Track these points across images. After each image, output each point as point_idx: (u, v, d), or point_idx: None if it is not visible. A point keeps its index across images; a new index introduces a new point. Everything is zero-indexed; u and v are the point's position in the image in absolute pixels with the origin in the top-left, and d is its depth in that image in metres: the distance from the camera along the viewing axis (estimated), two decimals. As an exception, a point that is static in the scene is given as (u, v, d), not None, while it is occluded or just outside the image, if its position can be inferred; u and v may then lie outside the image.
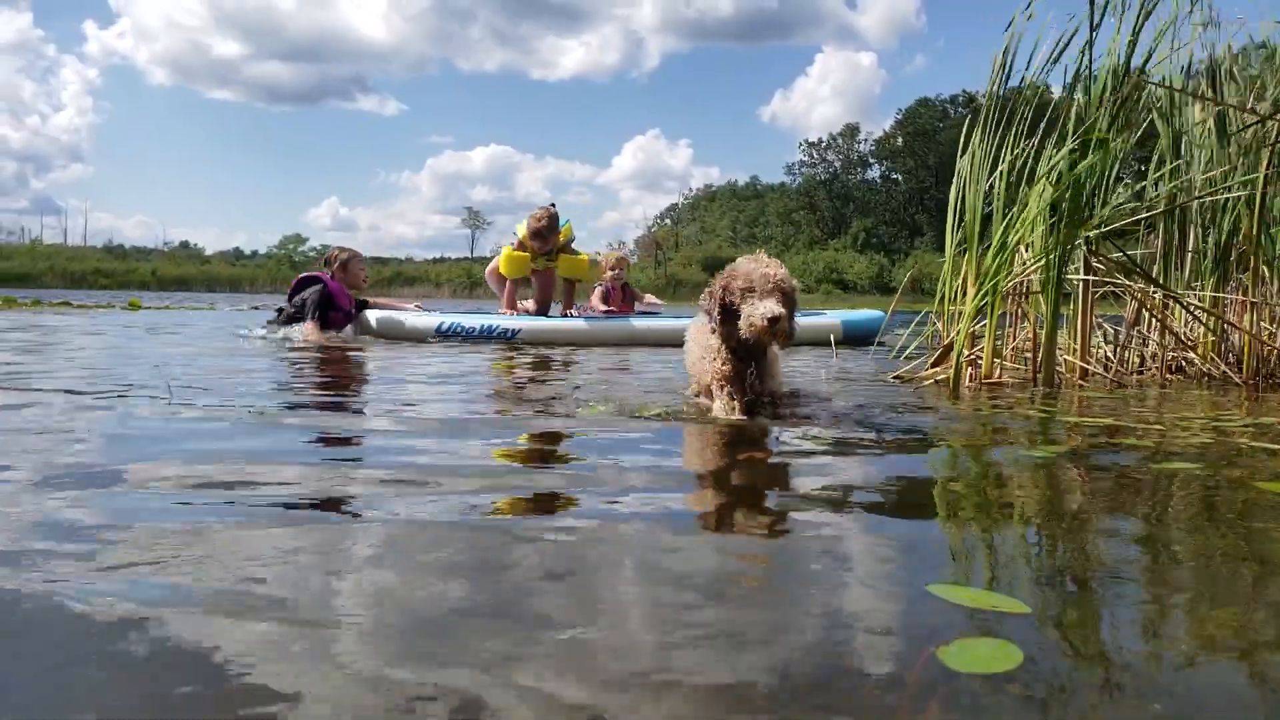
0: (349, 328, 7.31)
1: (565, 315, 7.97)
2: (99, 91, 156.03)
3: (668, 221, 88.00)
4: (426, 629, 1.10)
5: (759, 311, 2.67)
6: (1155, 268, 5.06)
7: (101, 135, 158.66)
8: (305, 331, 6.84)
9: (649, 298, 9.08)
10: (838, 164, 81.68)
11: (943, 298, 4.66)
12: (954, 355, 4.18)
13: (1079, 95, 4.43)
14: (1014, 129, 4.51)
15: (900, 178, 78.92)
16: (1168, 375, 4.86)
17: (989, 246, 4.33)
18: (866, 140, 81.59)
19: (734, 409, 2.89)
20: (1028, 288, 4.74)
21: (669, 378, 4.32)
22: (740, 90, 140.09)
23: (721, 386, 2.94)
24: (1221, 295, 4.78)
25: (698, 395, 3.27)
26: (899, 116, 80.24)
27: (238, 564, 1.33)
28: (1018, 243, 4.25)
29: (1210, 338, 4.87)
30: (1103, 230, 4.47)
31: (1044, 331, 4.35)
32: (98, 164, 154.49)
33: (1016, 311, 4.99)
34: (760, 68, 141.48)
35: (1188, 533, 1.66)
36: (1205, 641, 1.11)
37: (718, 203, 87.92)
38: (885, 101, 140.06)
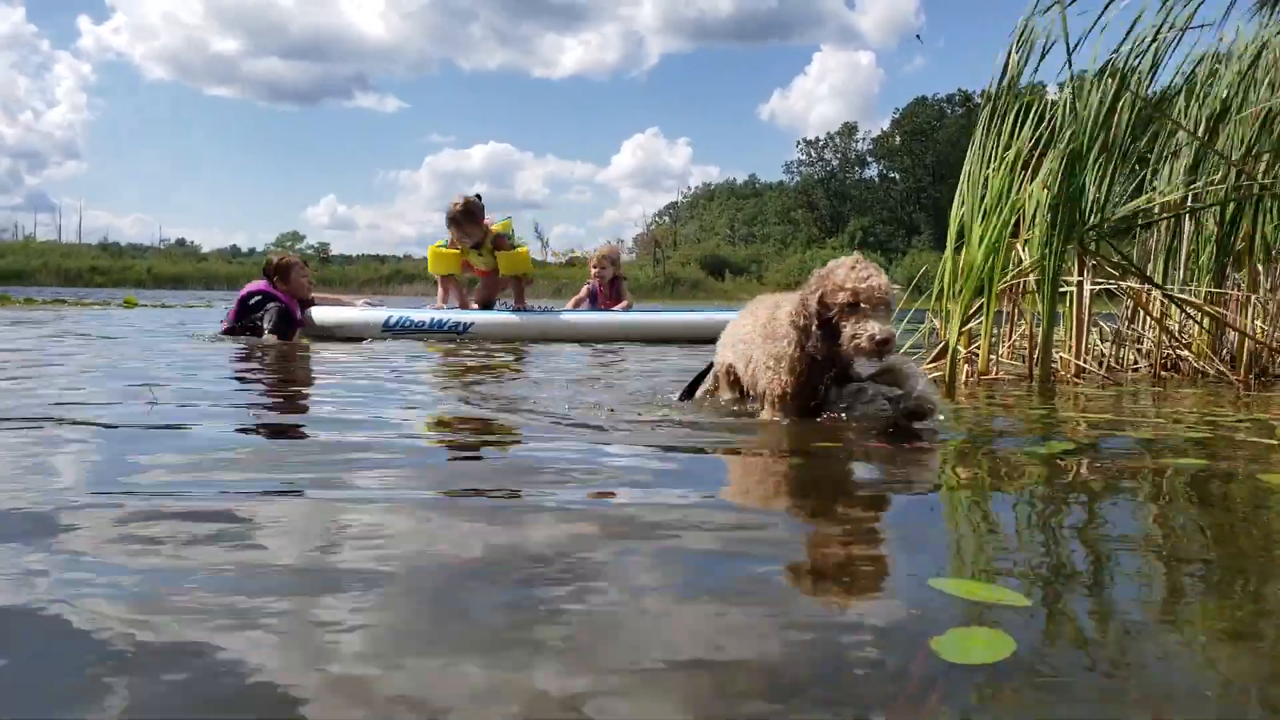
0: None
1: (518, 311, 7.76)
2: (94, 88, 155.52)
3: (666, 220, 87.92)
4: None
5: (868, 332, 2.37)
6: (1150, 266, 5.08)
7: (96, 132, 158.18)
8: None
9: (624, 302, 8.59)
10: (835, 163, 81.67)
11: (940, 295, 4.67)
12: (950, 353, 4.19)
13: (1067, 93, 4.45)
14: (1009, 128, 4.53)
15: (897, 176, 78.90)
16: (1163, 373, 4.88)
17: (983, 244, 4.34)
18: (864, 139, 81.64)
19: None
20: (1024, 286, 4.76)
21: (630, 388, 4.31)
22: (739, 89, 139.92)
23: (784, 401, 2.66)
24: (1218, 291, 4.79)
25: (725, 397, 3.07)
26: (896, 116, 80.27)
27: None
28: (995, 242, 4.25)
29: (1204, 335, 4.89)
30: (1099, 233, 4.49)
31: (1040, 329, 4.36)
32: (93, 161, 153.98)
33: (1013, 309, 5.01)
34: (759, 67, 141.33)
35: (1187, 526, 1.67)
36: (1203, 633, 1.13)
37: (716, 201, 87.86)
38: (884, 101, 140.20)
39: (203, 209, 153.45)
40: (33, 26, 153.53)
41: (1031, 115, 4.52)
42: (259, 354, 5.41)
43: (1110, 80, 4.26)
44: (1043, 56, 4.56)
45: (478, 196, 7.82)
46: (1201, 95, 4.91)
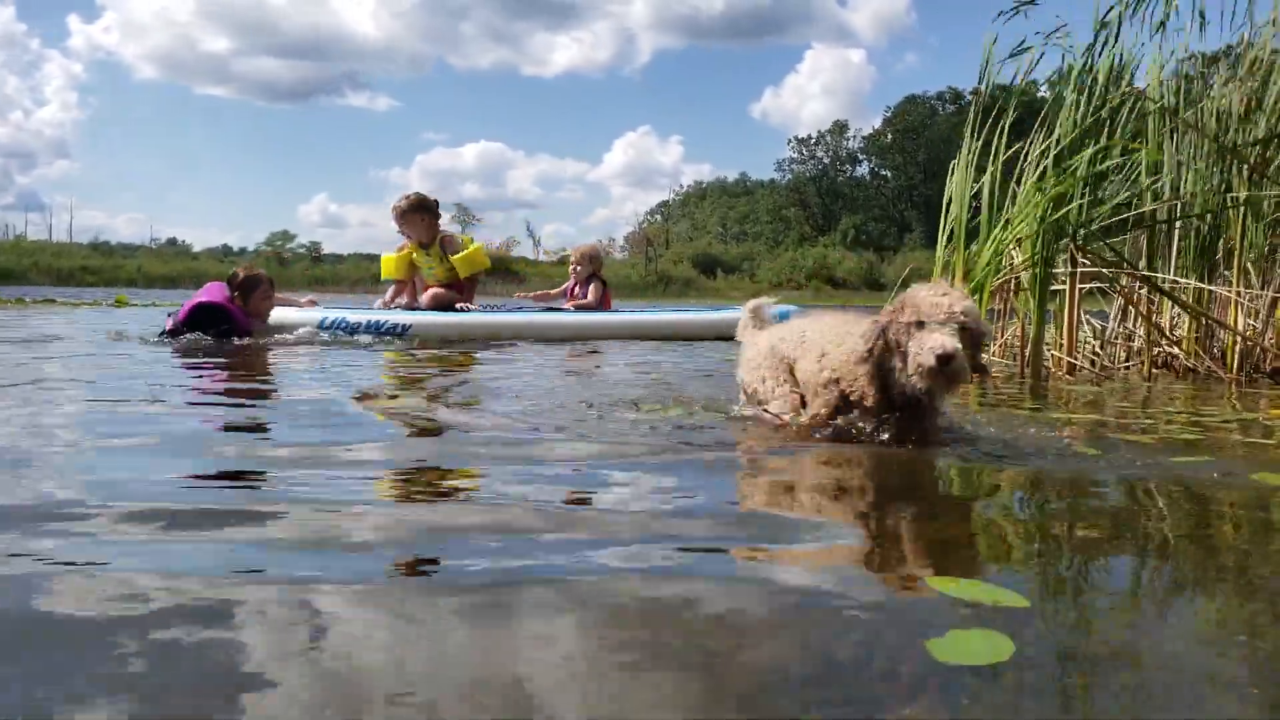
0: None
1: (460, 309, 7.56)
2: (85, 87, 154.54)
3: (658, 218, 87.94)
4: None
5: (927, 345, 2.08)
6: (1142, 263, 5.10)
7: (88, 131, 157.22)
8: None
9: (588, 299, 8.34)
10: (827, 161, 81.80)
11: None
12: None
13: (1067, 93, 4.47)
14: (1000, 126, 4.55)
15: (889, 174, 79.11)
16: (1153, 370, 4.90)
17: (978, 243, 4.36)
18: (855, 137, 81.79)
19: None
20: (1016, 284, 4.78)
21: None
22: (731, 87, 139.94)
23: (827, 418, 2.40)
24: (1208, 287, 4.82)
25: (757, 405, 2.78)
26: (888, 114, 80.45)
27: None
28: (1007, 242, 4.28)
29: (1194, 334, 4.91)
30: (1089, 231, 4.51)
31: (1032, 327, 4.38)
32: (84, 160, 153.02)
33: (1005, 307, 5.03)
34: (751, 64, 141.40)
35: (1189, 526, 1.68)
36: (1199, 632, 1.13)
37: (708, 199, 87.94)
38: (876, 98, 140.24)
39: (194, 208, 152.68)
40: (23, 25, 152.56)
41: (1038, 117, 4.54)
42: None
43: (1110, 83, 4.27)
44: (1040, 57, 4.58)
45: (434, 199, 7.70)
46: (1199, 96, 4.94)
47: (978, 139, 4.60)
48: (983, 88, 4.67)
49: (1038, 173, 4.38)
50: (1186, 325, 4.97)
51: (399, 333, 6.95)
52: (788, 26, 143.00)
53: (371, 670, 0.97)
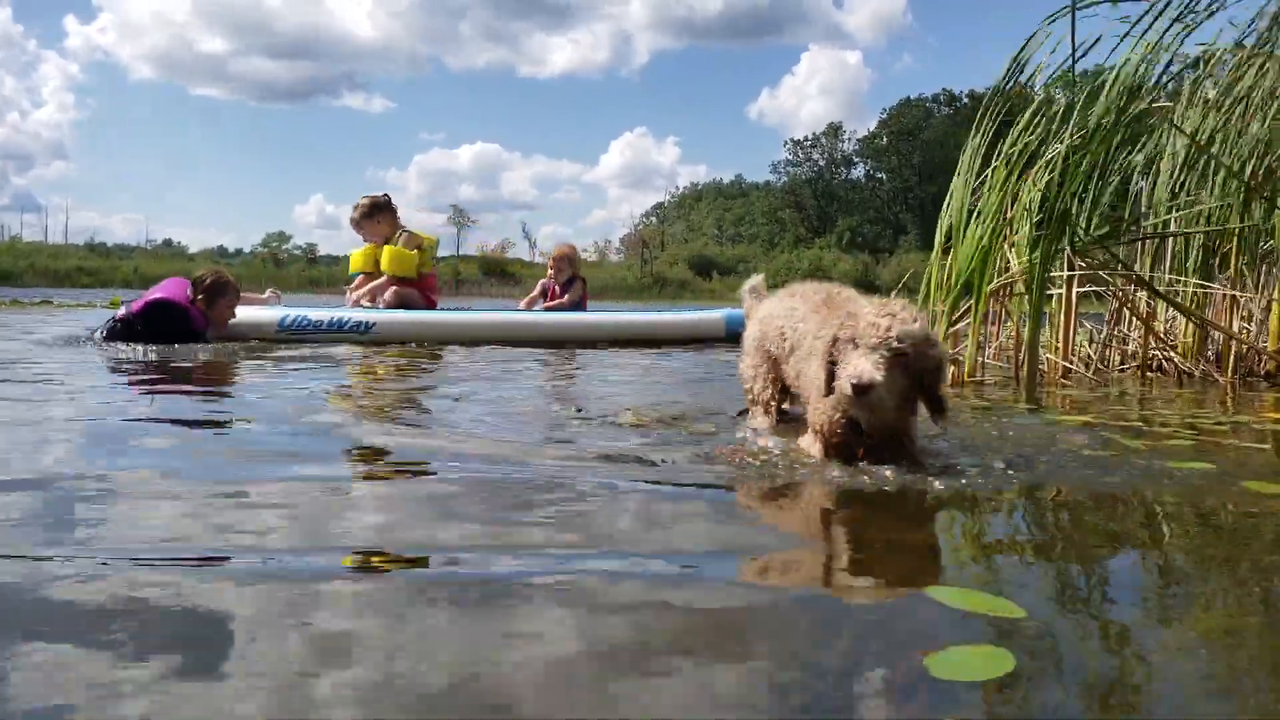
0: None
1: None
2: (81, 88, 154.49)
3: (654, 220, 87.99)
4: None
5: (848, 370, 1.93)
6: (1138, 265, 5.11)
7: (84, 132, 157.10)
8: None
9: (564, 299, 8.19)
10: (822, 163, 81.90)
11: (927, 297, 4.68)
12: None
13: (1062, 95, 4.47)
14: (993, 127, 4.55)
15: (884, 176, 79.22)
16: (1149, 373, 4.90)
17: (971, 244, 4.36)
18: (851, 139, 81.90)
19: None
20: (1011, 287, 4.78)
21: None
22: (728, 88, 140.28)
23: (828, 443, 2.18)
24: (1206, 287, 4.81)
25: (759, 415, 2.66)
26: (884, 116, 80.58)
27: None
28: (988, 241, 4.26)
29: (1190, 338, 4.91)
30: (1089, 239, 4.52)
31: (1027, 330, 4.38)
32: (80, 161, 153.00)
33: (1000, 310, 5.03)
34: (748, 66, 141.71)
35: (1185, 534, 1.68)
36: (1197, 641, 1.13)
37: (704, 201, 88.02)
38: (872, 100, 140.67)
39: (190, 209, 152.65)
40: (19, 26, 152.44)
41: (1033, 119, 4.53)
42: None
43: (1117, 93, 4.25)
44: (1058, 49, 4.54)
45: (385, 196, 7.62)
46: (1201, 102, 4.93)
47: (985, 137, 4.58)
48: (1007, 87, 4.63)
49: (1037, 176, 4.37)
50: (1183, 329, 4.97)
51: (362, 331, 6.76)
52: (785, 27, 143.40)
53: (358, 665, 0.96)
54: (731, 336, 7.61)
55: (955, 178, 4.63)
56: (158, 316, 5.66)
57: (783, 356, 2.54)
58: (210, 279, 5.86)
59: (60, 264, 53.84)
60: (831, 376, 2.02)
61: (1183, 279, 4.90)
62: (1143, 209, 5.05)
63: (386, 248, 7.40)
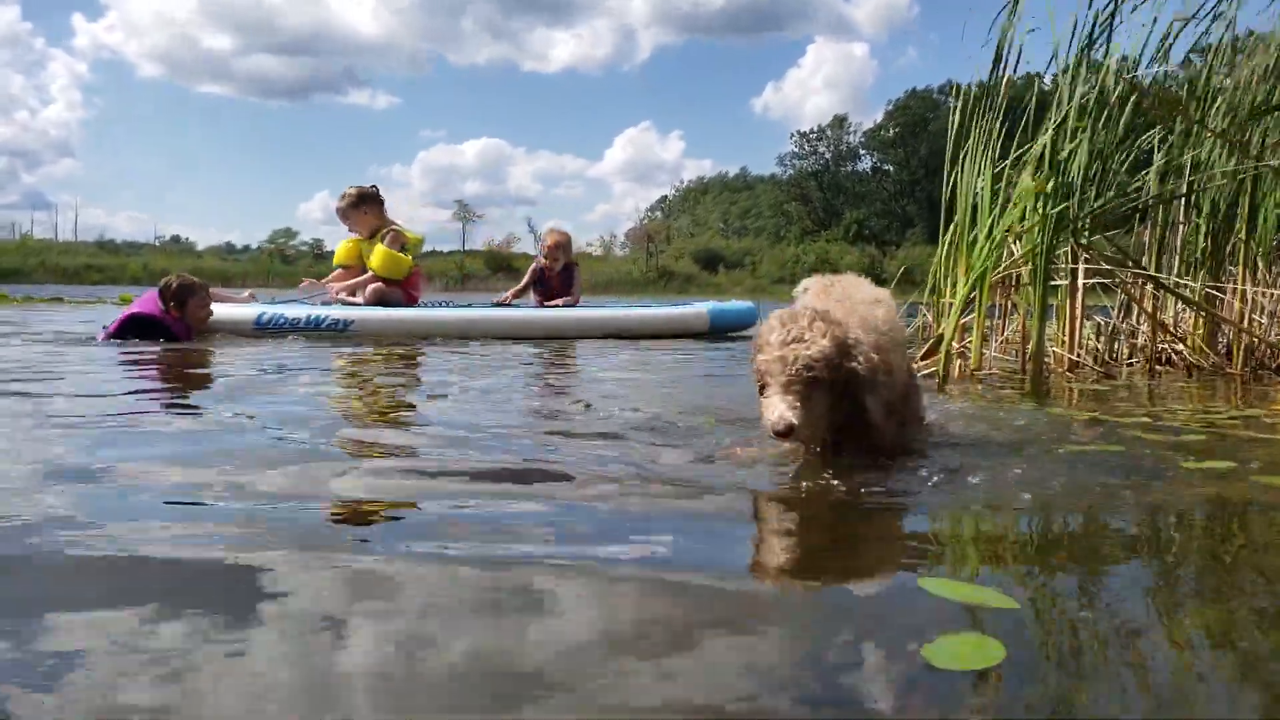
0: None
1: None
2: (89, 86, 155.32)
3: (659, 214, 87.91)
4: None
5: (766, 415, 1.82)
6: (1146, 258, 5.07)
7: (92, 129, 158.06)
8: None
9: (571, 295, 8.10)
10: (828, 155, 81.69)
11: (933, 289, 4.66)
12: (943, 347, 4.18)
13: (1067, 84, 4.43)
14: (998, 118, 4.52)
15: (891, 169, 79.03)
16: (1157, 366, 4.87)
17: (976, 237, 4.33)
18: (857, 131, 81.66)
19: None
20: (1017, 279, 4.75)
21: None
22: (732, 82, 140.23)
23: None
24: (1218, 282, 4.77)
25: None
26: (889, 108, 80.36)
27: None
28: (1003, 232, 4.24)
29: (1199, 331, 4.87)
30: (1093, 223, 4.48)
31: (1033, 323, 4.35)
32: (88, 159, 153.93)
33: (1006, 303, 5.00)
34: (752, 59, 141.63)
35: (1184, 526, 1.66)
36: (1195, 637, 1.11)
37: (709, 195, 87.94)
38: (878, 93, 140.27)
39: (196, 206, 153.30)
40: (28, 24, 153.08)
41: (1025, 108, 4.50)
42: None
43: (1117, 78, 4.22)
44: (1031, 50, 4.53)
45: (373, 188, 7.52)
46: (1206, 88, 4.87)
47: (990, 128, 4.55)
48: (1012, 75, 4.61)
49: (1036, 163, 4.33)
50: (1191, 321, 4.93)
51: (340, 329, 6.69)
52: (788, 21, 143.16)
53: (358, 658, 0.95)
54: (715, 331, 7.55)
55: (958, 169, 4.61)
56: (135, 333, 5.68)
57: None
58: (176, 283, 5.88)
59: (70, 261, 54.15)
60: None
61: (1191, 273, 4.86)
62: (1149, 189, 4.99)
63: (379, 249, 7.27)
